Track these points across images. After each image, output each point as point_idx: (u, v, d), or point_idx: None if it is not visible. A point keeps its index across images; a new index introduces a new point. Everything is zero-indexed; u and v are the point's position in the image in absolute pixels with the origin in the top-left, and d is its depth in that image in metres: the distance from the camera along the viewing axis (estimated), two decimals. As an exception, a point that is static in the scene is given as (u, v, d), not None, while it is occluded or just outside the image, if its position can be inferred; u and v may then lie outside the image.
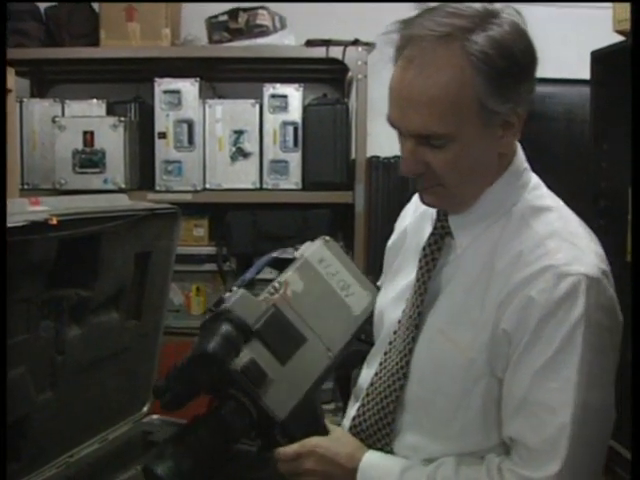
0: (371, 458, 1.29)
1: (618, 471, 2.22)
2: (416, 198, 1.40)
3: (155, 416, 1.79)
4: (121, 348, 1.66)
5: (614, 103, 2.52)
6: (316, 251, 1.41)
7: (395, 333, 1.35)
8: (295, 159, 3.03)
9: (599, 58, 2.61)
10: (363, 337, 1.42)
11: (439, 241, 1.30)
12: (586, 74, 2.89)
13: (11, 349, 1.33)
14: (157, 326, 1.79)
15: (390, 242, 1.52)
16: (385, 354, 1.36)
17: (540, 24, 3.64)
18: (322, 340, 1.30)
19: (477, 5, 1.15)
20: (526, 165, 1.29)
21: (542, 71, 3.80)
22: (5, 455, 1.11)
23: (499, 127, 1.17)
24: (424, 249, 1.32)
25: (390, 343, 1.35)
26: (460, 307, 1.24)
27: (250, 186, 3.02)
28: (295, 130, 3.02)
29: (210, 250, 3.09)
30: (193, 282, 3.11)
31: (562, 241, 1.18)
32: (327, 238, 1.46)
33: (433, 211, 1.34)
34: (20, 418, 1.39)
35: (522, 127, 1.21)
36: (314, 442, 1.29)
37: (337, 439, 1.32)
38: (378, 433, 1.33)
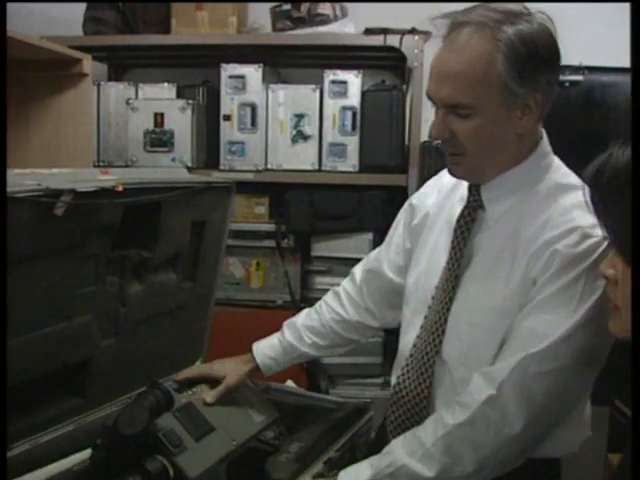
0: None
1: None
2: (433, 182, 1.64)
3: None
4: (177, 306, 1.84)
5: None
6: None
7: (433, 298, 1.51)
8: (353, 142, 3.13)
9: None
10: (262, 438, 1.68)
11: (472, 213, 1.47)
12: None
13: (80, 298, 1.53)
14: (211, 289, 1.96)
15: (415, 221, 1.66)
16: (425, 317, 1.52)
17: (603, 12, 3.61)
18: (227, 432, 1.57)
19: (514, 5, 1.36)
20: (549, 149, 1.45)
21: (604, 60, 3.74)
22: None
23: (519, 110, 1.35)
24: (458, 221, 1.49)
25: (429, 307, 1.51)
26: (492, 266, 1.42)
27: (309, 167, 3.14)
28: (353, 115, 3.12)
29: (270, 227, 3.22)
30: (253, 257, 3.24)
31: (585, 211, 1.28)
32: None
33: (461, 192, 1.51)
34: (85, 359, 1.59)
35: (541, 115, 1.39)
36: None
37: None
38: (419, 387, 1.50)
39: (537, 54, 1.31)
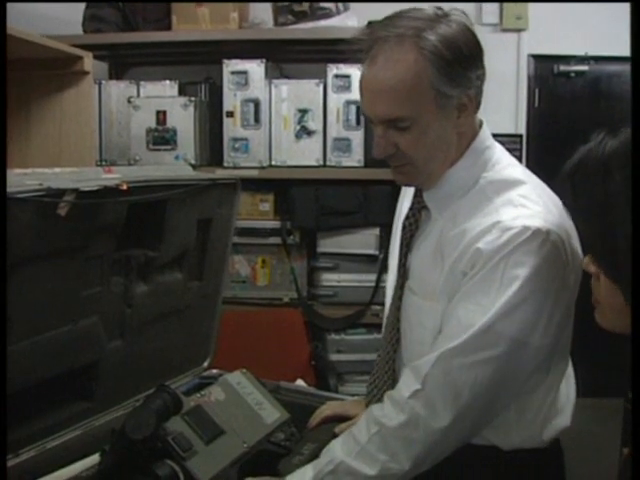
0: None
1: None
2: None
3: (215, 371, 1.95)
4: (184, 306, 1.81)
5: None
6: (235, 376, 1.71)
7: (392, 298, 1.54)
8: (357, 137, 3.11)
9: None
10: (273, 440, 1.62)
11: (416, 214, 1.48)
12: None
13: (85, 300, 1.50)
14: (218, 288, 1.93)
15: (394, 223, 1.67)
16: (387, 318, 1.55)
17: (608, 2, 3.57)
18: (238, 434, 1.54)
19: (429, 10, 1.34)
20: (488, 143, 1.43)
21: (610, 49, 3.73)
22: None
23: (455, 109, 1.35)
24: (403, 223, 1.50)
25: (389, 309, 1.55)
26: (426, 268, 1.42)
27: (314, 163, 3.12)
28: (358, 109, 3.08)
29: (275, 224, 3.20)
30: (259, 255, 3.23)
31: (513, 207, 1.32)
32: (244, 370, 1.73)
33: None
34: (92, 362, 1.56)
35: (477, 109, 1.39)
36: None
37: None
38: (384, 385, 1.51)
39: (462, 54, 1.31)
